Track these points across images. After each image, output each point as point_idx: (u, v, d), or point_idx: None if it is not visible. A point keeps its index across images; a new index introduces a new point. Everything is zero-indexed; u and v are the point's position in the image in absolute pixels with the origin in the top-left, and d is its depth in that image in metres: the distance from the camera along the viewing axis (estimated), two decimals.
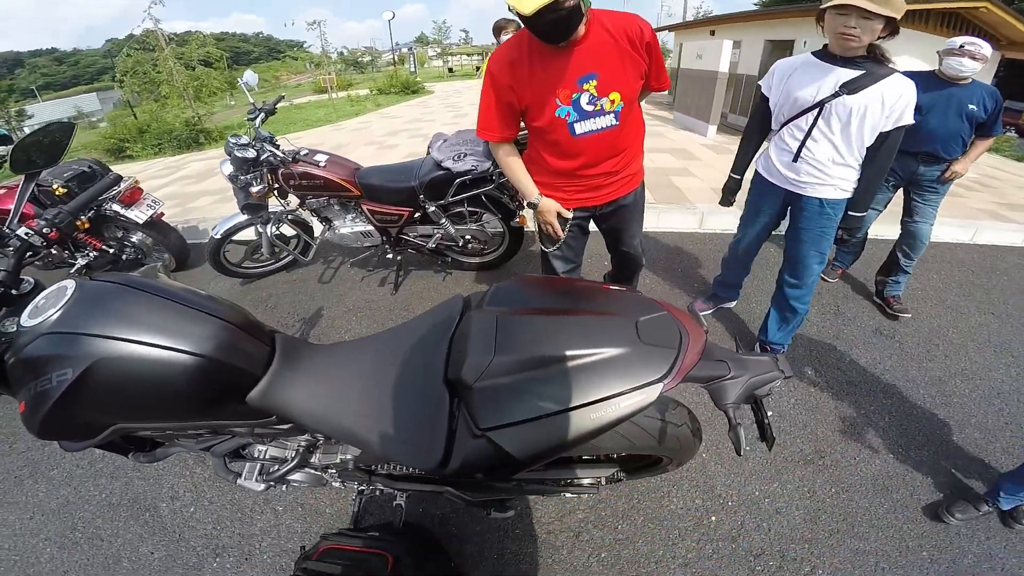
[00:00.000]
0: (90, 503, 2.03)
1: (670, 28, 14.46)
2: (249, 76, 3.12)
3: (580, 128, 1.75)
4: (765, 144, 2.36)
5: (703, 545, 1.79)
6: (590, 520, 1.87)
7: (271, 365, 1.12)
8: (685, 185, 5.04)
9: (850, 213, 2.11)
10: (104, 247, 3.31)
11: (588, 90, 1.67)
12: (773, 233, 2.55)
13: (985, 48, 2.50)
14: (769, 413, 1.02)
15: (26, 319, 0.98)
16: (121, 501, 2.03)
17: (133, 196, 3.37)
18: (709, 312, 3.05)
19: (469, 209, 3.03)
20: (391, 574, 1.25)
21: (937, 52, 2.67)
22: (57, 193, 3.08)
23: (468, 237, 3.18)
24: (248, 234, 3.33)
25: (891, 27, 1.74)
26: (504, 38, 2.15)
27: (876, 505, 1.91)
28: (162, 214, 3.57)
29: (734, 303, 3.12)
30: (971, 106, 2.59)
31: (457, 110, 11.93)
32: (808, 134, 2.02)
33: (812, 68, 1.97)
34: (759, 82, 2.24)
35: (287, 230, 3.43)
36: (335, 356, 1.21)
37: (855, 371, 2.61)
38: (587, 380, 0.89)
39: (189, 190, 5.83)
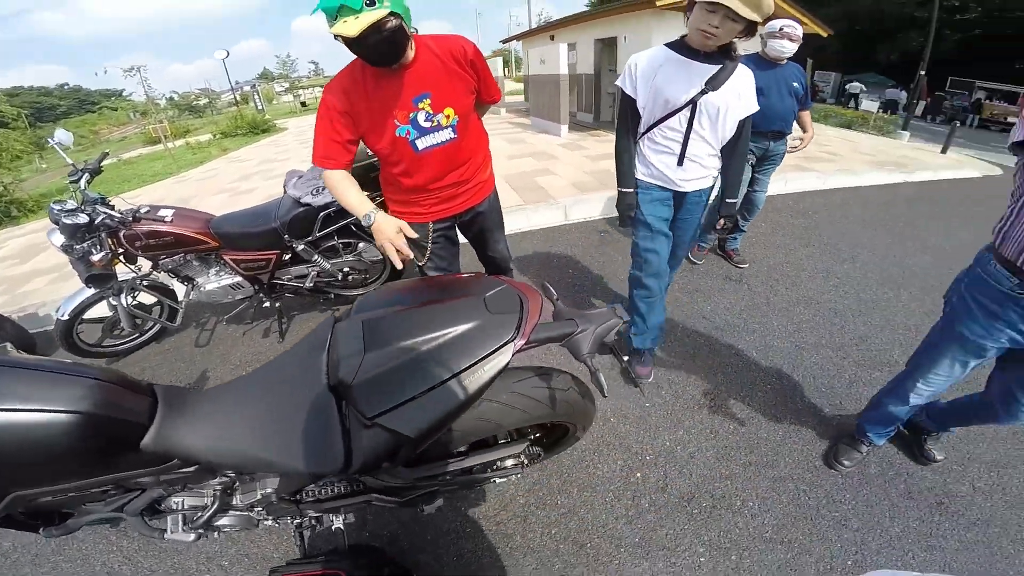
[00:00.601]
0: None
1: (517, 37, 15.05)
2: (61, 135, 2.79)
3: (421, 144, 1.83)
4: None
5: (638, 500, 1.93)
6: (531, 503, 1.95)
7: (156, 413, 1.10)
8: (548, 184, 5.37)
9: (728, 200, 2.20)
10: None
11: (424, 108, 1.77)
12: None
13: (798, 29, 2.86)
14: (625, 358, 1.19)
15: None
16: None
17: None
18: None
19: (341, 241, 3.00)
20: None
21: (760, 35, 2.94)
22: None
23: (346, 269, 3.12)
24: (102, 309, 2.98)
25: (750, 30, 1.75)
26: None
27: (772, 433, 2.18)
28: None
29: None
30: (795, 83, 3.01)
31: None
32: (687, 135, 1.99)
33: (677, 65, 1.91)
34: (617, 83, 2.11)
35: (145, 298, 3.12)
36: (220, 393, 1.22)
37: (717, 316, 3.01)
38: (450, 354, 1.01)
39: (14, 272, 5.02)
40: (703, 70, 1.87)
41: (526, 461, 1.69)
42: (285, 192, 2.87)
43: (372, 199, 2.76)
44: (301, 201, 2.74)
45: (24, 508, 1.09)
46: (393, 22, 1.51)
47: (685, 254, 2.50)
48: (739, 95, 1.91)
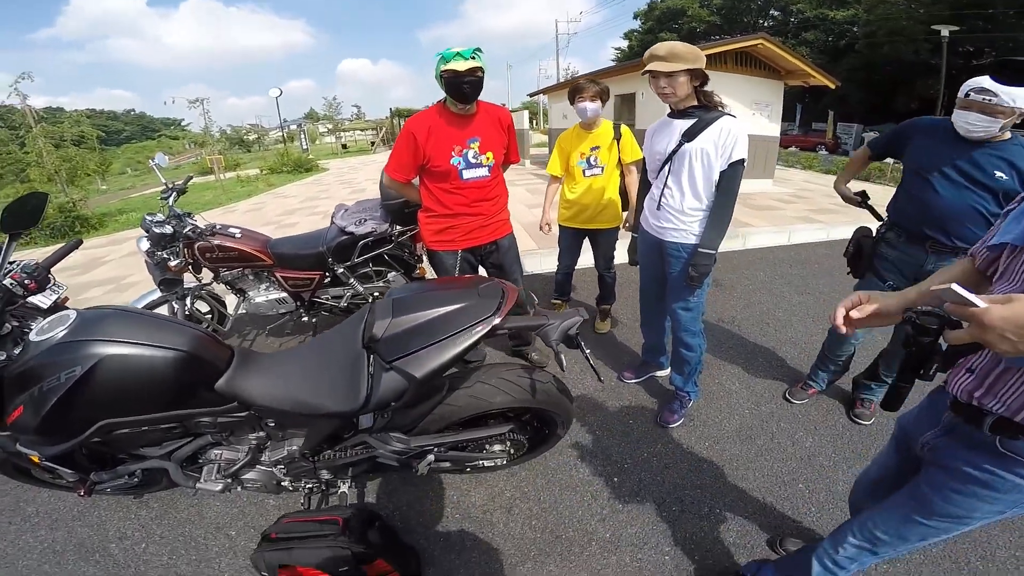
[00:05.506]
0: (31, 552, 2.03)
1: (543, 91, 15.87)
2: (160, 157, 3.45)
3: (467, 174, 2.44)
4: None
5: (613, 502, 2.18)
6: (517, 496, 2.22)
7: (232, 363, 1.50)
8: None
9: (699, 249, 2.18)
10: None
11: (473, 148, 2.40)
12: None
13: (999, 97, 1.72)
14: (588, 350, 1.59)
15: (35, 337, 1.29)
16: (66, 547, 2.05)
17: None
18: (635, 381, 3.00)
19: (374, 268, 3.41)
20: (342, 531, 1.50)
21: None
22: None
23: (376, 294, 3.48)
24: (161, 311, 3.38)
25: (699, 77, 2.03)
26: (579, 99, 2.87)
27: (744, 451, 2.45)
28: (67, 298, 3.39)
29: (665, 371, 3.00)
30: (997, 172, 1.88)
31: (353, 186, 12.13)
32: (665, 184, 2.23)
33: (663, 125, 2.26)
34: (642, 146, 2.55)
35: (201, 305, 3.53)
36: (280, 354, 1.66)
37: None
38: (451, 321, 1.45)
39: (75, 281, 5.55)
40: (679, 125, 2.16)
41: (512, 450, 2.00)
42: (332, 222, 3.32)
43: (403, 232, 3.19)
44: (345, 230, 3.18)
45: (102, 438, 1.41)
46: (481, 74, 2.20)
47: (677, 317, 2.45)
48: (716, 144, 2.06)
